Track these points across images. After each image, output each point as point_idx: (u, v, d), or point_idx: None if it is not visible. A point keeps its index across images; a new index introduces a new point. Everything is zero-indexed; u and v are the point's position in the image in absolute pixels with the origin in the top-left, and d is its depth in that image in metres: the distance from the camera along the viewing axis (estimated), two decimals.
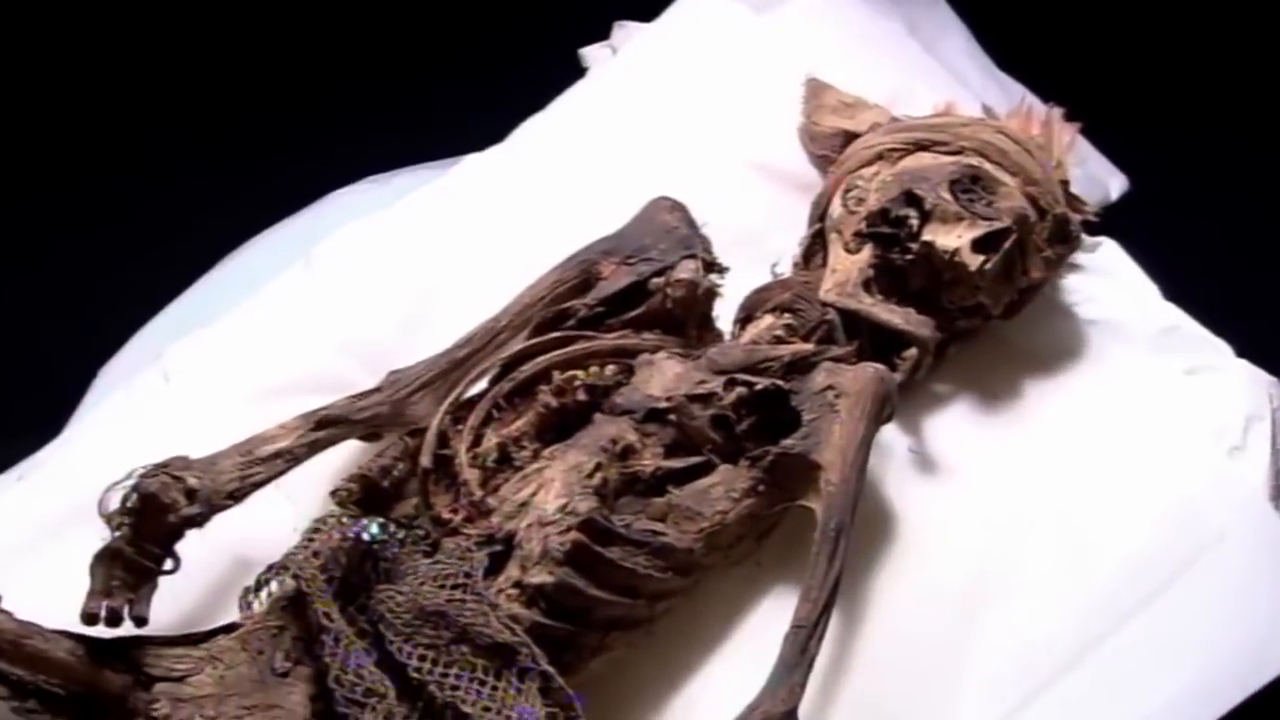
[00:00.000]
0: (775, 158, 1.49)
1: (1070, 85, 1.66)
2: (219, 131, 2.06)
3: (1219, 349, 1.42)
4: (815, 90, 1.47)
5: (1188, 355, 1.42)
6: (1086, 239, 1.51)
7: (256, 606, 1.18)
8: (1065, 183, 1.39)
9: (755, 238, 1.44)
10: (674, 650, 1.24)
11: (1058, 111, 1.44)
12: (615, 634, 1.16)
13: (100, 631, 1.12)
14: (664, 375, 1.22)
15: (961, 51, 1.70)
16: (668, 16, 1.64)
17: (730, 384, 1.20)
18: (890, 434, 1.35)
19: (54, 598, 1.12)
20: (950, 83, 1.58)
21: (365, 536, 1.19)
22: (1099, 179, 1.65)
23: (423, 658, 1.10)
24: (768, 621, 1.21)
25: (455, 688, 1.09)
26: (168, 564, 1.15)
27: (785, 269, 1.39)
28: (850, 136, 1.43)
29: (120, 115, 2.10)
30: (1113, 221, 1.61)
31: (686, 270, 1.28)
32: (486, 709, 1.07)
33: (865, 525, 1.27)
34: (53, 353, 1.72)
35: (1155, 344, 1.43)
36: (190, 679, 1.13)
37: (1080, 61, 2.03)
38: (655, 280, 1.29)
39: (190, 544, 1.18)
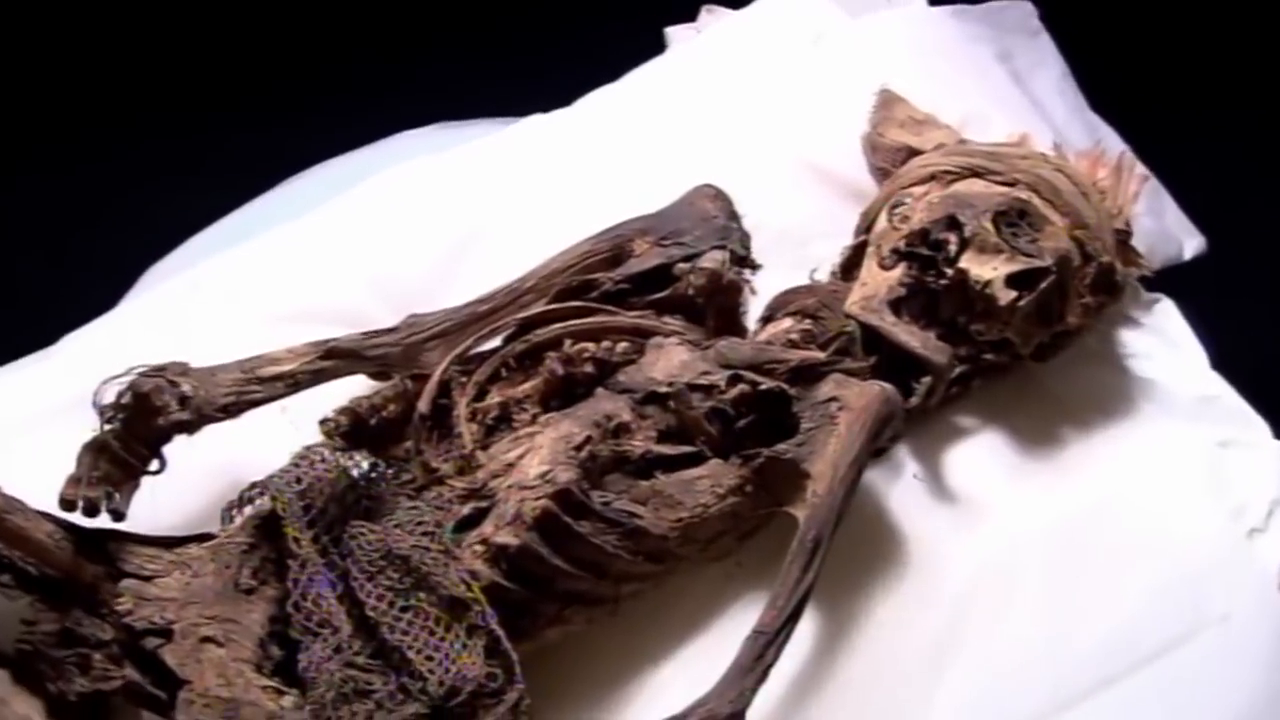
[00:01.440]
0: (835, 163, 1.47)
1: (1169, 135, 1.63)
2: (315, 67, 2.09)
3: (1256, 426, 1.38)
4: (887, 101, 1.44)
5: (1223, 428, 1.37)
6: (1143, 294, 1.48)
7: (237, 522, 1.20)
8: (1123, 233, 1.35)
9: (800, 240, 1.43)
10: (641, 636, 1.24)
11: (1130, 159, 1.40)
12: (575, 608, 1.16)
13: (80, 522, 1.15)
14: (670, 360, 1.21)
15: (1053, 87, 1.65)
16: (757, 6, 1.63)
17: (734, 379, 1.19)
18: (903, 456, 1.33)
19: (45, 481, 1.15)
20: (1031, 115, 1.55)
21: (353, 472, 1.20)
22: (1173, 236, 1.61)
23: (381, 598, 1.12)
24: (739, 622, 1.19)
25: (406, 632, 1.10)
26: (153, 465, 1.17)
27: (824, 276, 1.37)
28: (913, 153, 1.40)
29: (231, 46, 2.15)
30: (1180, 280, 1.57)
31: (712, 260, 1.27)
32: (429, 658, 1.08)
33: (860, 542, 1.26)
34: (123, 247, 1.73)
35: (1192, 411, 1.38)
36: (158, 580, 1.16)
37: (1185, 113, 1.98)
38: (681, 265, 1.28)
39: (188, 454, 1.21)
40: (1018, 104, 1.56)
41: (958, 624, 1.25)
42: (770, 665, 1.11)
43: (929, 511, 1.30)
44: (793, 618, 1.13)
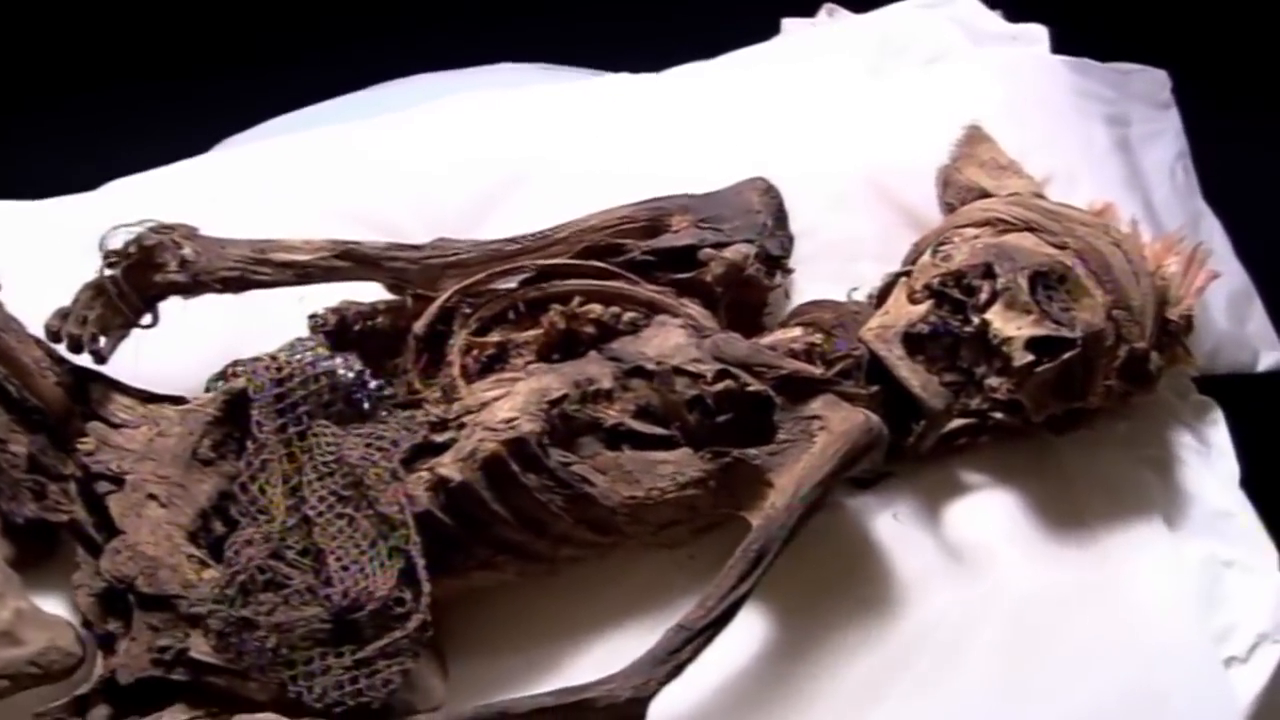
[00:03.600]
0: (906, 189, 1.42)
1: None
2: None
3: (1265, 553, 1.31)
4: (972, 138, 1.40)
5: (1231, 548, 1.31)
6: (1193, 395, 1.42)
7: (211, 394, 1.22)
8: (1176, 325, 1.29)
9: (849, 256, 1.40)
10: (582, 604, 1.24)
11: (1205, 252, 1.33)
12: (507, 558, 1.17)
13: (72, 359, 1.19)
14: (665, 340, 1.20)
15: (1164, 164, 1.57)
16: (879, 14, 1.59)
17: (722, 374, 1.17)
18: (904, 495, 1.30)
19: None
20: (1125, 186, 1.47)
21: (339, 374, 1.21)
22: (1249, 344, 1.52)
23: (323, 499, 1.13)
24: (679, 613, 1.17)
25: (334, 538, 1.12)
26: (145, 319, 1.20)
27: (863, 298, 1.34)
28: (985, 195, 1.35)
29: None
30: (1243, 391, 1.50)
31: (736, 252, 1.26)
32: (345, 568, 1.09)
33: (837, 563, 1.25)
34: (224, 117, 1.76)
35: (1204, 524, 1.32)
36: (125, 430, 1.19)
37: None
38: (708, 251, 1.27)
39: (200, 329, 1.25)
40: (1114, 171, 1.49)
41: (903, 663, 1.22)
42: (686, 662, 1.11)
43: (914, 552, 1.27)
44: (719, 622, 1.11)
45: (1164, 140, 1.60)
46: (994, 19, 1.60)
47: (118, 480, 1.16)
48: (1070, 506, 1.31)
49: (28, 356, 1.18)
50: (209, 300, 1.25)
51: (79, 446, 1.17)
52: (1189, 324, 1.32)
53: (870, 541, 1.27)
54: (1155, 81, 1.63)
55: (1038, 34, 1.58)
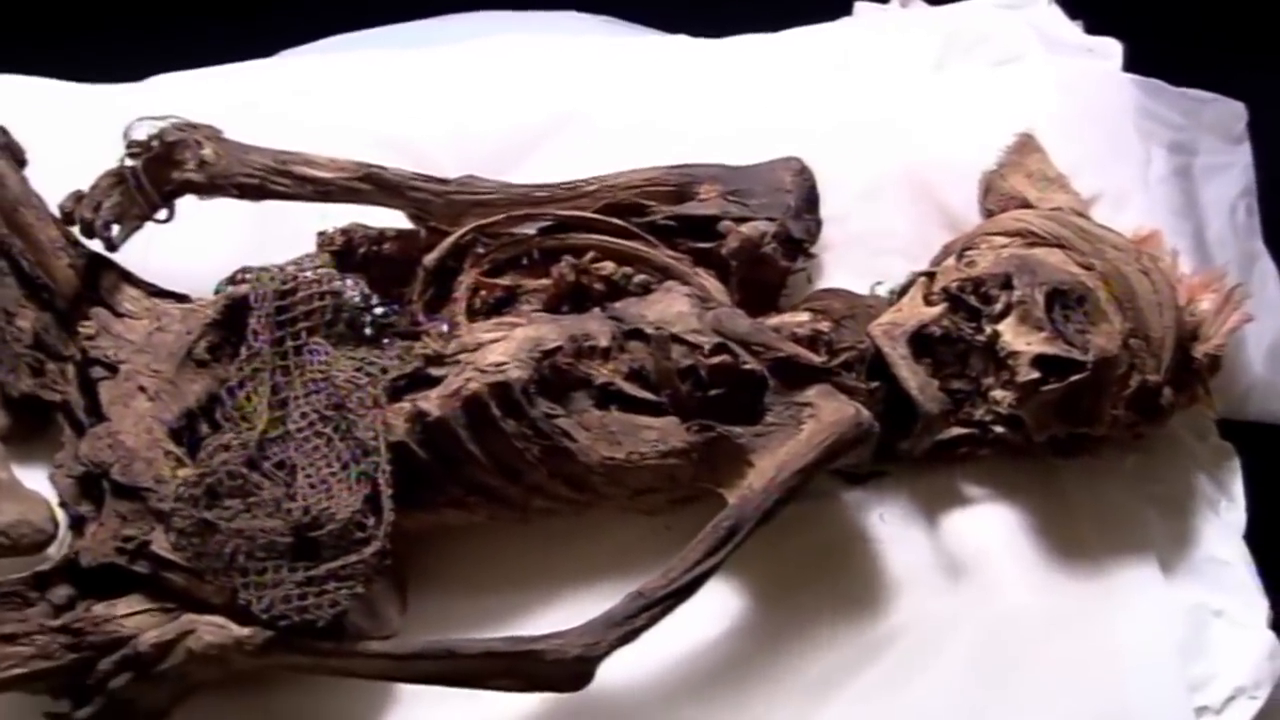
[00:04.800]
0: (946, 187, 1.39)
1: None
2: None
3: (1256, 608, 1.28)
4: (1023, 147, 1.36)
5: (1223, 597, 1.28)
6: (1213, 438, 1.38)
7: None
8: (1199, 363, 1.25)
9: (876, 249, 1.37)
10: (555, 555, 1.25)
11: (1243, 293, 1.29)
12: (478, 499, 1.17)
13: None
14: (668, 307, 1.19)
15: (1225, 199, 1.51)
16: (953, 8, 1.55)
17: (720, 348, 1.16)
18: (903, 498, 1.29)
19: None
20: (1177, 215, 1.42)
21: (345, 295, 1.22)
22: None
23: (305, 415, 1.14)
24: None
25: (309, 455, 1.12)
26: (161, 214, 1.21)
27: (885, 292, 1.32)
28: (1026, 205, 1.32)
29: None
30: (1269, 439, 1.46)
31: (753, 228, 1.24)
32: (312, 486, 1.10)
33: (816, 554, 1.25)
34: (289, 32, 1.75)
35: (1199, 569, 1.29)
36: (127, 320, 1.21)
37: None
38: (728, 223, 1.25)
39: (220, 232, 1.27)
40: (1167, 199, 1.43)
41: (870, 661, 1.22)
42: (641, 629, 1.11)
43: (900, 554, 1.26)
44: (679, 594, 1.11)
45: (1229, 175, 1.54)
46: (1071, 28, 1.55)
47: (112, 368, 1.18)
48: (1067, 532, 1.29)
49: (45, 235, 1.20)
50: (232, 205, 1.26)
51: (80, 330, 1.19)
52: (1215, 364, 1.28)
53: (857, 538, 1.27)
54: (1230, 113, 1.57)
55: (1112, 49, 1.53)
